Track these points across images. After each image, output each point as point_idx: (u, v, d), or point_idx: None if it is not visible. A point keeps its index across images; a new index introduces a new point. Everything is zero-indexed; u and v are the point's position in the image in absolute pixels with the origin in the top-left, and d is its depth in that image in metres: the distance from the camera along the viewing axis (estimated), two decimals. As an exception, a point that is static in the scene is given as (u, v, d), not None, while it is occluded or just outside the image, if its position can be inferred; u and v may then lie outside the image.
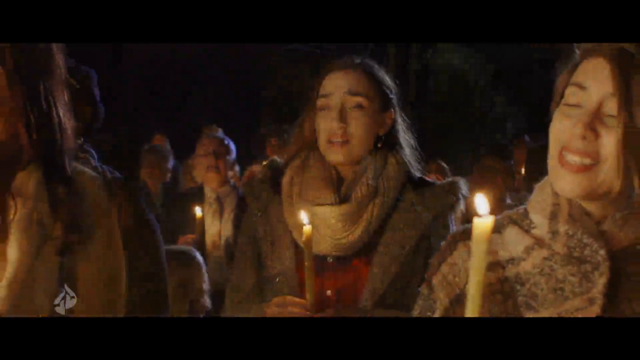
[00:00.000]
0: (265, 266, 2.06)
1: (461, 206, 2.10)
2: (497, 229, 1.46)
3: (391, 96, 2.13)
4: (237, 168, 5.94)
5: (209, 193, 4.39)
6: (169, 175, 6.18)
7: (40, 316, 1.44)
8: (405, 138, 2.15)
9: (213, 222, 4.32)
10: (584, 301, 1.35)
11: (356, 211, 1.99)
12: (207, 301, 3.23)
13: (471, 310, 1.17)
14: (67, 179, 1.50)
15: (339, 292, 2.00)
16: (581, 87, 1.36)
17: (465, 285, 1.43)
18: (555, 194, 1.42)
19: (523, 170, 4.42)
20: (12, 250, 1.43)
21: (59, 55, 1.52)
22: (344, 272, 2.01)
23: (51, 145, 1.48)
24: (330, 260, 2.01)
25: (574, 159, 1.34)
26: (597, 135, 1.33)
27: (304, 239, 1.86)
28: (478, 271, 1.14)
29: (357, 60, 2.12)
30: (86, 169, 1.60)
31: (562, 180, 1.37)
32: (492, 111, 14.31)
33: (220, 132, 5.17)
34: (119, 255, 1.55)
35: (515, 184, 4.38)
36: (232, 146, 4.55)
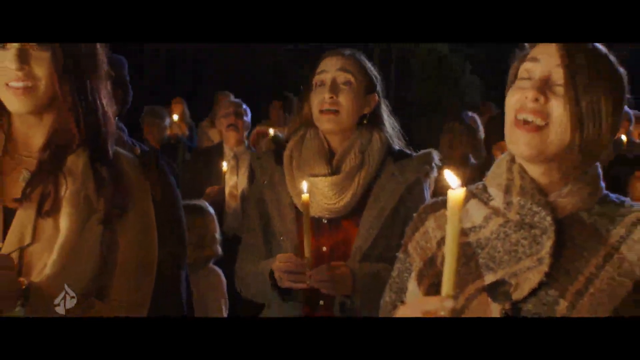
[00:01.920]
0: (271, 226, 2.45)
1: (434, 174, 2.50)
2: None
3: (375, 82, 2.52)
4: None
5: (228, 151, 4.86)
6: (166, 132, 6.57)
7: (80, 283, 1.65)
8: (388, 120, 2.55)
9: (231, 177, 4.78)
10: (534, 261, 1.49)
11: (345, 181, 2.38)
12: (218, 249, 3.69)
13: (448, 271, 1.27)
14: (109, 161, 1.78)
15: (332, 248, 2.38)
16: (534, 60, 1.55)
17: (435, 249, 1.65)
18: (510, 170, 1.59)
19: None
20: (63, 221, 1.68)
21: (101, 52, 1.81)
22: (336, 231, 2.40)
23: (96, 133, 1.76)
24: (324, 221, 2.40)
25: (527, 117, 1.51)
26: (546, 99, 1.51)
27: (302, 205, 2.24)
28: (453, 236, 1.26)
29: (348, 51, 2.51)
30: (124, 152, 1.87)
31: (517, 141, 1.53)
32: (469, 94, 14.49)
33: (232, 97, 5.57)
34: (151, 225, 1.83)
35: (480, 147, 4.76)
36: (248, 110, 4.98)
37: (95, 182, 1.74)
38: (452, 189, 1.26)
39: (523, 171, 1.58)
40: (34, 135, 1.77)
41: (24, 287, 1.60)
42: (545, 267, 1.48)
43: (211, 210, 3.76)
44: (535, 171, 1.57)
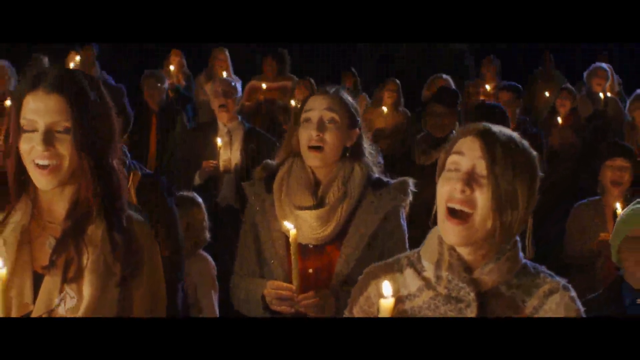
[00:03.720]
0: (263, 250, 2.73)
1: (410, 199, 2.77)
2: (401, 269, 1.90)
3: (357, 117, 2.77)
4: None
5: (221, 126, 5.16)
6: (164, 95, 6.79)
7: None
8: (367, 149, 2.81)
9: (225, 151, 5.11)
10: None
11: (329, 213, 2.66)
12: (207, 235, 4.05)
13: None
14: (123, 228, 2.00)
15: (317, 271, 2.67)
16: (459, 153, 1.78)
17: (377, 314, 1.83)
18: (440, 246, 1.82)
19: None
20: (86, 288, 1.92)
21: (115, 118, 2.03)
22: (321, 255, 2.69)
23: (111, 205, 1.99)
24: (310, 246, 2.68)
25: (456, 207, 1.74)
26: (472, 190, 1.74)
27: (290, 239, 2.51)
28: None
29: (333, 89, 2.76)
30: (136, 216, 2.09)
31: (447, 232, 1.77)
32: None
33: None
34: (161, 279, 2.09)
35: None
36: (238, 86, 5.23)
37: (112, 248, 1.97)
38: (385, 297, 1.56)
39: (452, 249, 1.81)
40: (57, 203, 2.00)
41: None
42: None
43: (200, 200, 4.10)
44: (462, 250, 1.80)
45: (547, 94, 8.09)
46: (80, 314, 1.91)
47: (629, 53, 10.52)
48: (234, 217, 4.74)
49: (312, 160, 2.69)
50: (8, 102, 5.85)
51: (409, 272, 1.89)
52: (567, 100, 6.74)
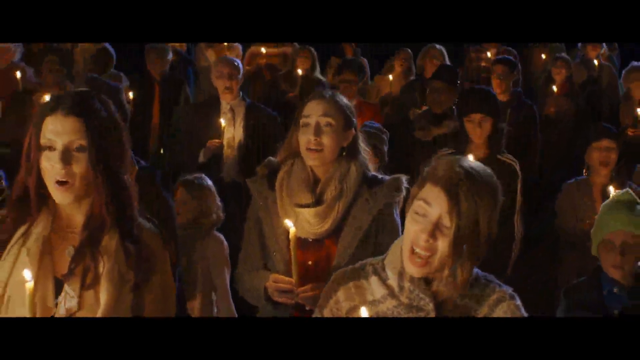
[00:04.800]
0: (266, 244, 2.92)
1: (402, 195, 2.95)
2: (366, 275, 2.13)
3: (353, 119, 2.94)
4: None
5: (224, 104, 5.31)
6: (167, 66, 6.91)
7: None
8: (363, 147, 2.98)
9: (228, 129, 5.26)
10: None
11: (326, 210, 2.84)
12: (221, 215, 4.27)
13: None
14: (134, 238, 2.18)
15: (316, 262, 2.86)
16: (427, 202, 2.00)
17: (345, 316, 2.10)
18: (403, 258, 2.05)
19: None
20: (102, 295, 2.10)
21: (127, 137, 2.21)
22: (319, 249, 2.88)
23: (123, 216, 2.17)
24: (310, 240, 2.87)
25: (420, 252, 1.99)
26: (435, 239, 1.97)
27: (290, 237, 2.70)
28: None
29: (329, 93, 2.92)
30: (147, 224, 2.25)
31: (411, 268, 2.02)
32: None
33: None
34: (170, 284, 2.26)
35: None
36: (241, 65, 5.35)
37: (125, 257, 2.15)
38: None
39: None
40: (74, 215, 2.19)
41: None
42: None
43: (209, 182, 4.30)
44: None
45: (543, 56, 8.19)
46: (98, 316, 2.08)
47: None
48: (237, 191, 4.89)
49: (311, 160, 2.87)
50: (18, 74, 5.98)
51: (374, 280, 2.12)
52: (563, 68, 6.87)
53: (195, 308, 4.11)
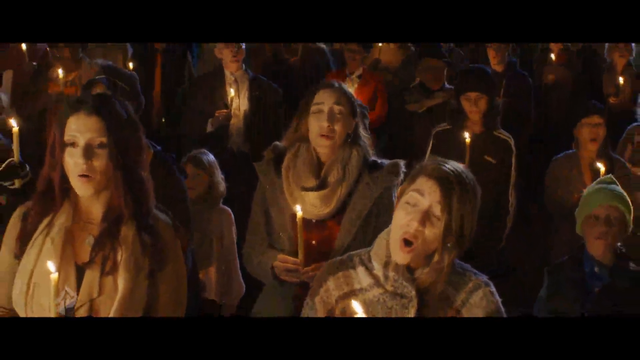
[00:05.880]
0: (272, 224, 3.13)
1: (401, 179, 3.16)
2: (354, 266, 2.29)
3: (357, 107, 3.14)
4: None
5: (228, 75, 5.48)
6: None
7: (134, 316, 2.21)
8: (364, 134, 3.19)
9: (234, 100, 5.41)
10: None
11: (330, 193, 3.04)
12: (224, 188, 4.55)
13: None
14: (150, 228, 2.34)
15: (319, 242, 3.07)
16: (420, 193, 2.15)
17: (334, 304, 2.26)
18: (388, 250, 2.21)
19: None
20: (120, 282, 2.25)
21: (143, 137, 2.37)
22: (323, 229, 3.08)
23: (139, 209, 2.34)
24: (313, 221, 3.07)
25: (409, 239, 2.13)
26: (424, 227, 2.13)
27: (297, 220, 2.91)
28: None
29: (337, 84, 3.14)
30: (161, 216, 2.41)
31: (399, 256, 2.17)
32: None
33: None
34: (183, 274, 2.43)
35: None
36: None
37: (142, 247, 2.32)
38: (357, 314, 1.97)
39: None
40: (94, 207, 2.36)
41: None
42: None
43: (212, 158, 4.56)
44: None
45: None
46: (116, 304, 2.25)
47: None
48: (244, 160, 5.09)
49: (322, 147, 3.08)
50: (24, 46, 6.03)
51: (360, 270, 2.29)
52: (559, 37, 6.99)
53: (212, 278, 4.39)
